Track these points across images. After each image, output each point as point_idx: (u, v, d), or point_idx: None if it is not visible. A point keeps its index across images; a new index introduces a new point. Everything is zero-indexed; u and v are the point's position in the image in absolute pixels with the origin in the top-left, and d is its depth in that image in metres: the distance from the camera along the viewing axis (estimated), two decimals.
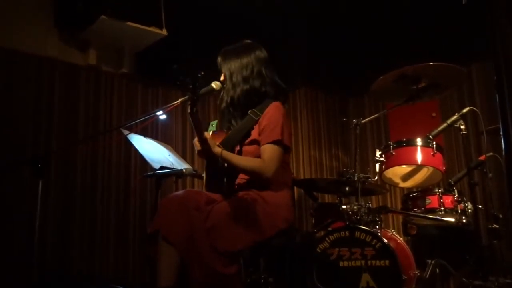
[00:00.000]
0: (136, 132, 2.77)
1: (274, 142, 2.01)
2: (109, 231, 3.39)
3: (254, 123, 2.09)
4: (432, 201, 2.77)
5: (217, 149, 1.94)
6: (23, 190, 2.99)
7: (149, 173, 2.75)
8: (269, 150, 2.00)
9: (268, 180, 1.99)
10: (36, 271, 2.25)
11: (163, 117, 2.93)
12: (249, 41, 2.25)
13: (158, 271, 1.79)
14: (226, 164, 1.99)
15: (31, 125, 3.23)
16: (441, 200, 2.73)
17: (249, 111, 2.11)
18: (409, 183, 3.03)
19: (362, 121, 2.74)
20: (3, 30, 3.27)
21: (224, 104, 2.15)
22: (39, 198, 2.02)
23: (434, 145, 2.76)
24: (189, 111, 1.78)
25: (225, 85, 2.15)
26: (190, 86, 1.79)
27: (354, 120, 2.75)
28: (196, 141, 1.86)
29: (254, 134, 2.08)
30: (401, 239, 2.69)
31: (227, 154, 1.96)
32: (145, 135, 2.93)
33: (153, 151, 2.84)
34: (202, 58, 2.69)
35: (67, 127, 3.36)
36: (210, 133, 2.08)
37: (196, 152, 2.02)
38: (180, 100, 2.07)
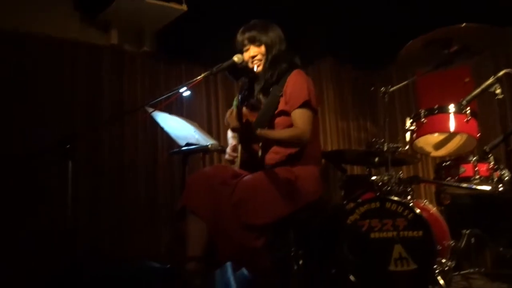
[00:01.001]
0: (161, 110, 2.75)
1: (302, 105, 2.00)
2: (139, 209, 3.44)
3: (279, 97, 2.07)
4: (466, 169, 2.68)
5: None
6: (53, 172, 3.06)
7: (175, 150, 2.75)
8: (299, 115, 2.00)
9: (306, 141, 1.99)
10: (70, 251, 2.31)
11: (187, 93, 2.91)
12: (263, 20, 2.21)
13: (187, 243, 1.81)
14: (260, 142, 1.99)
15: (56, 107, 3.28)
16: (476, 168, 2.63)
17: (271, 88, 2.07)
18: (441, 152, 2.94)
19: (391, 89, 2.65)
20: (24, 15, 3.30)
21: (262, 75, 2.11)
22: (70, 180, 2.05)
23: (468, 111, 2.65)
24: (237, 104, 1.74)
25: (259, 60, 2.11)
26: (246, 80, 1.76)
27: (382, 89, 2.66)
28: (228, 118, 1.81)
29: (281, 106, 2.06)
30: (434, 209, 2.62)
31: (262, 132, 1.95)
32: (170, 112, 2.92)
33: (179, 128, 2.84)
34: (223, 32, 2.64)
35: (92, 108, 3.40)
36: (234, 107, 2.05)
37: (221, 126, 2.01)
38: (202, 75, 2.04)
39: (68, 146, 2.01)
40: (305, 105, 2.00)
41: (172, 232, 3.41)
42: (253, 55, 2.13)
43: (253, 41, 2.14)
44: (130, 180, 3.45)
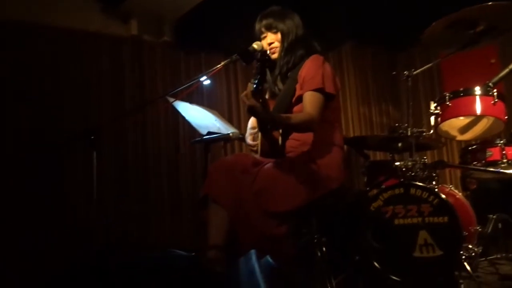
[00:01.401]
0: (182, 99, 2.77)
1: (314, 90, 1.97)
2: (162, 197, 3.49)
3: (295, 82, 2.05)
4: (493, 153, 2.61)
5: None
6: (78, 163, 3.12)
7: (197, 139, 2.77)
8: (309, 98, 1.97)
9: (315, 126, 1.96)
10: (97, 240, 2.36)
11: (207, 82, 2.91)
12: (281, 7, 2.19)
13: (209, 232, 1.82)
14: (280, 130, 1.98)
15: (80, 99, 3.33)
16: (504, 152, 2.57)
17: (289, 73, 2.06)
18: (467, 136, 2.87)
19: (414, 73, 2.59)
20: (47, 8, 3.34)
21: (279, 62, 2.10)
22: (95, 170, 2.09)
23: (495, 94, 2.57)
24: (252, 89, 1.72)
25: (276, 47, 2.10)
26: (258, 63, 1.73)
27: (405, 72, 2.59)
28: (244, 96, 1.77)
29: (297, 91, 2.04)
30: (460, 194, 2.57)
31: (272, 116, 1.93)
32: (190, 101, 2.94)
33: (200, 117, 2.85)
34: (242, 20, 2.62)
35: (114, 99, 3.45)
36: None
37: (242, 114, 2.00)
38: (222, 63, 2.04)
39: (92, 137, 2.05)
40: (317, 90, 1.97)
41: (194, 220, 3.46)
42: (270, 42, 2.12)
43: (270, 28, 2.13)
44: (153, 169, 3.50)
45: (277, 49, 2.12)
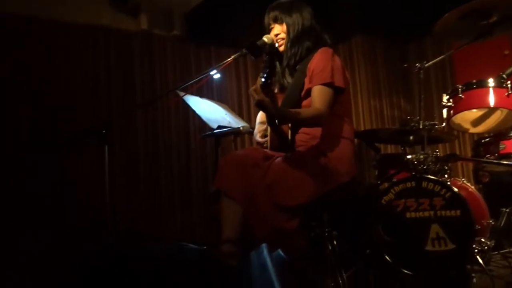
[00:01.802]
0: (192, 93, 2.78)
1: (323, 84, 1.96)
2: (173, 191, 3.51)
3: (305, 74, 2.04)
4: (506, 146, 2.58)
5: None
6: (90, 157, 3.15)
7: (207, 133, 2.77)
8: (318, 92, 1.96)
9: (322, 121, 1.96)
10: (109, 233, 2.38)
11: (217, 76, 2.91)
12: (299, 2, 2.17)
13: (222, 225, 1.83)
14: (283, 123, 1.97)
15: (91, 93, 3.36)
16: None
17: (297, 66, 2.05)
18: (480, 128, 2.83)
19: (426, 65, 2.55)
20: (57, 3, 3.36)
21: (285, 54, 2.09)
22: (106, 163, 2.10)
23: (509, 85, 2.52)
24: (261, 83, 1.71)
25: (282, 39, 2.09)
26: (267, 57, 1.72)
27: (417, 64, 2.56)
28: (253, 90, 1.77)
29: (306, 85, 2.03)
30: (472, 187, 2.55)
31: (280, 110, 1.92)
32: (200, 95, 2.94)
33: (210, 111, 2.85)
34: (252, 13, 2.60)
35: (125, 93, 3.46)
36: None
37: (252, 108, 2.00)
38: (232, 57, 2.04)
39: (103, 131, 2.06)
40: (326, 85, 1.96)
41: (205, 214, 3.48)
42: (277, 34, 2.11)
43: (276, 20, 2.13)
44: (164, 163, 3.52)
45: (284, 41, 2.11)
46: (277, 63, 2.09)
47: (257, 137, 2.20)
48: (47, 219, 3.06)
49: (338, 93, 2.00)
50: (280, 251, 1.56)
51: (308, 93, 2.01)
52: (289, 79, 2.10)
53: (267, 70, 1.72)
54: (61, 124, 3.22)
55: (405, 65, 4.15)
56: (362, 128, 4.11)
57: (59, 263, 2.97)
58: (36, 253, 2.97)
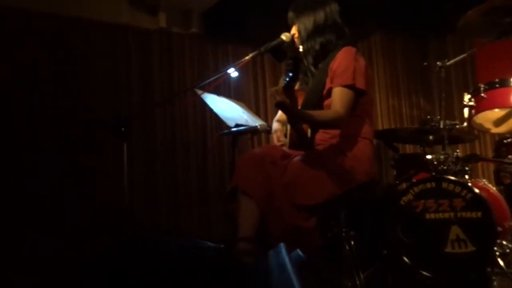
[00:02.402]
0: (209, 92, 2.78)
1: (344, 86, 1.94)
2: (191, 189, 3.53)
3: (326, 74, 2.01)
4: None
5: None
6: (108, 155, 3.18)
7: (225, 131, 2.77)
8: (337, 94, 1.94)
9: (342, 123, 1.94)
10: (127, 228, 2.41)
11: (234, 74, 2.92)
12: None
13: (238, 223, 1.83)
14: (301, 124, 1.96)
15: (110, 91, 3.39)
16: None
17: (319, 64, 2.03)
18: (502, 128, 2.78)
19: (448, 63, 2.51)
20: (77, 1, 3.41)
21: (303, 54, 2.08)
22: (125, 161, 2.12)
23: None
24: (283, 85, 1.71)
25: (297, 38, 2.08)
26: (291, 61, 1.71)
27: (438, 63, 2.52)
28: (274, 91, 1.77)
29: (327, 84, 2.01)
30: (493, 188, 2.50)
31: (300, 112, 1.92)
32: (218, 93, 2.95)
33: (227, 109, 2.85)
34: (270, 11, 2.60)
35: (144, 91, 3.49)
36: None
37: (269, 107, 1.99)
38: (250, 55, 2.03)
39: (122, 129, 2.08)
40: (347, 87, 1.94)
41: (222, 212, 3.49)
42: (293, 33, 2.10)
43: (291, 20, 2.13)
44: (181, 160, 3.54)
45: (298, 40, 2.10)
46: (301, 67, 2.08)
47: (274, 139, 2.20)
48: (65, 216, 3.10)
49: (359, 95, 1.98)
50: (298, 251, 1.55)
51: (329, 93, 1.99)
52: (310, 78, 2.09)
53: (291, 74, 1.73)
54: (81, 122, 3.26)
55: (425, 63, 4.09)
56: (380, 128, 4.06)
57: (77, 260, 3.02)
58: (54, 251, 3.02)
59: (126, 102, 3.44)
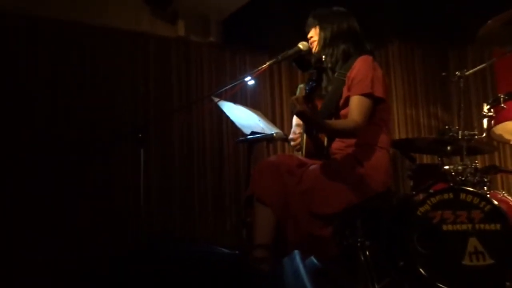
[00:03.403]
0: (226, 99, 2.81)
1: (362, 95, 1.93)
2: (206, 195, 3.54)
3: (344, 83, 2.01)
4: None
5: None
6: (126, 160, 3.22)
7: (241, 139, 2.79)
8: (355, 102, 1.94)
9: (359, 132, 1.94)
10: (144, 233, 2.43)
11: (251, 82, 2.94)
12: (341, 8, 2.15)
13: (255, 231, 1.84)
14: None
15: (129, 98, 3.45)
16: None
17: (336, 73, 2.03)
18: None
19: (467, 73, 2.48)
20: (99, 9, 3.48)
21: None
22: (142, 166, 2.15)
23: None
24: (305, 94, 1.72)
25: (315, 41, 2.08)
26: (314, 71, 1.73)
27: (457, 73, 2.50)
28: (295, 99, 1.78)
29: (345, 93, 2.01)
30: None
31: (318, 121, 1.91)
32: (234, 101, 2.97)
33: (244, 117, 2.87)
34: (288, 20, 2.62)
35: (162, 98, 3.54)
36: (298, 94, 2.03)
37: (285, 115, 2.00)
38: (267, 63, 2.05)
39: (140, 135, 2.11)
40: (366, 95, 1.93)
41: (237, 219, 3.49)
42: (310, 36, 2.10)
43: (311, 24, 2.14)
44: (197, 167, 3.56)
45: (315, 43, 2.10)
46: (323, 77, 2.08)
47: (291, 136, 2.20)
48: (82, 220, 3.14)
49: (377, 104, 1.97)
50: (313, 258, 1.55)
51: (347, 101, 1.99)
52: (328, 85, 2.09)
53: (313, 84, 1.74)
54: (100, 128, 3.31)
55: (444, 73, 4.05)
56: (397, 137, 4.03)
57: (90, 265, 3.05)
58: (70, 253, 3.05)
59: (145, 108, 3.49)
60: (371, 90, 1.93)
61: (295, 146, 2.19)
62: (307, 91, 1.74)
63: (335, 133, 1.99)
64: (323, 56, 2.05)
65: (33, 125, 3.17)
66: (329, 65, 2.06)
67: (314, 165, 1.94)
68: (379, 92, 1.96)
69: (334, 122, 1.96)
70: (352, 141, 2.01)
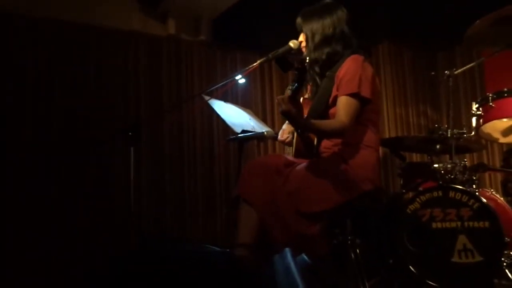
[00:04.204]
0: (217, 98, 2.80)
1: (349, 95, 1.93)
2: (197, 194, 3.53)
3: (333, 82, 2.02)
4: None
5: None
6: (116, 158, 3.20)
7: (232, 137, 2.78)
8: (342, 103, 1.93)
9: (346, 133, 1.94)
10: (134, 233, 2.42)
11: (242, 81, 2.94)
12: (329, 0, 2.13)
13: (238, 230, 1.84)
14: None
15: (120, 96, 3.42)
16: None
17: (327, 73, 2.04)
18: (511, 138, 2.76)
19: (456, 72, 2.51)
20: (90, 9, 3.45)
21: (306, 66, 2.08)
22: (132, 165, 2.14)
23: None
24: (289, 94, 1.72)
25: (304, 47, 2.08)
26: (296, 72, 1.73)
27: (446, 72, 2.52)
28: (280, 99, 1.77)
29: (334, 92, 2.01)
30: (501, 199, 2.48)
31: (305, 122, 1.92)
32: (225, 100, 2.96)
33: (234, 116, 2.86)
34: (279, 19, 2.61)
35: (152, 97, 3.52)
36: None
37: (276, 114, 2.00)
38: (258, 62, 2.04)
39: (130, 134, 2.09)
40: (353, 95, 1.93)
41: (226, 218, 3.49)
42: (301, 41, 2.10)
43: (299, 27, 2.13)
44: (188, 166, 3.55)
45: (304, 49, 2.10)
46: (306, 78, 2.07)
47: (280, 135, 2.20)
48: (71, 220, 3.12)
49: (364, 104, 1.98)
50: (304, 255, 1.55)
51: (335, 101, 1.99)
52: (317, 84, 2.09)
53: (296, 85, 1.74)
54: (91, 126, 3.29)
55: (433, 73, 4.08)
56: (387, 136, 4.05)
57: (83, 265, 3.03)
58: (61, 255, 3.03)
59: (135, 107, 3.47)
60: (358, 90, 1.93)
61: (284, 140, 2.19)
62: (290, 91, 1.74)
63: (321, 133, 1.99)
64: (307, 58, 2.04)
65: (33, 125, 3.14)
66: (317, 68, 2.05)
67: (301, 165, 1.94)
68: (366, 92, 1.95)
69: (320, 122, 1.96)
70: (339, 140, 2.01)
